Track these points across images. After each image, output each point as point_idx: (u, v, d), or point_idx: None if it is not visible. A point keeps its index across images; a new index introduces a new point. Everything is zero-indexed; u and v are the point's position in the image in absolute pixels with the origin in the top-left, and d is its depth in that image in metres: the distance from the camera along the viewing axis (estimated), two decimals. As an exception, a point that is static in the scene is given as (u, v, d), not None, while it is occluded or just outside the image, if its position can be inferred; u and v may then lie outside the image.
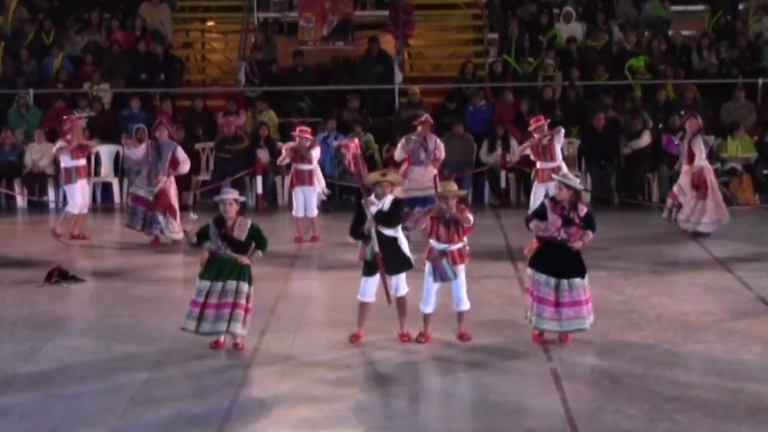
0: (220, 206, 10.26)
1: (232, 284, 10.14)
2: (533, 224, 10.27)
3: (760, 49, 21.28)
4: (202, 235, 10.36)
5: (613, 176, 18.63)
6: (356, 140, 18.33)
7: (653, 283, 13.11)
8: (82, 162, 15.82)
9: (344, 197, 18.94)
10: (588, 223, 10.20)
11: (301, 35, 21.85)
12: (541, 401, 9.03)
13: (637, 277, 13.30)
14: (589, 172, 18.81)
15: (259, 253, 10.29)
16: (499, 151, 18.80)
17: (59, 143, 15.83)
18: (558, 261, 10.18)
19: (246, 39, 21.94)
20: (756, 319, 11.58)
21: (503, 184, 18.99)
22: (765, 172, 18.56)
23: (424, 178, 15.12)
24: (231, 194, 10.28)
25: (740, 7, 23.07)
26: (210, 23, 23.99)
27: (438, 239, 10.28)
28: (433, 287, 10.41)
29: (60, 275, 13.45)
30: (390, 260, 10.32)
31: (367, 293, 10.48)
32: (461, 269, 10.40)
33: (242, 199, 10.42)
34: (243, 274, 10.23)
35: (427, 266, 10.37)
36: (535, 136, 15.21)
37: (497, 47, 21.93)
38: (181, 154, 15.47)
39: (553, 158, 15.17)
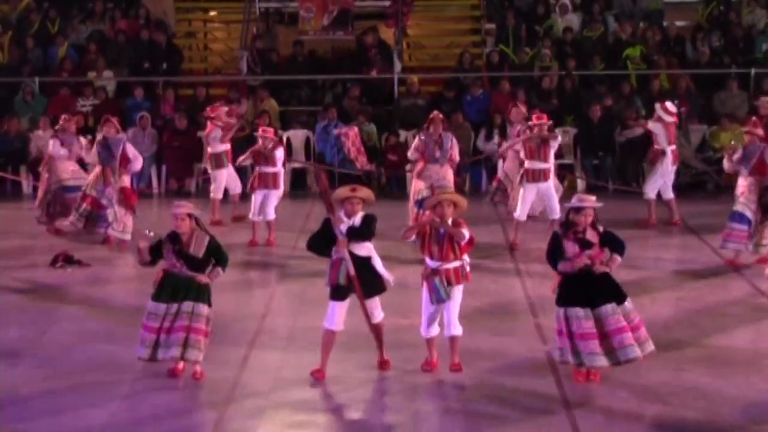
0: (174, 222, 9.08)
1: (188, 306, 9.02)
2: (561, 266, 8.90)
3: (753, 40, 21.27)
4: (155, 252, 9.19)
5: (609, 165, 18.61)
6: (355, 129, 18.58)
7: (647, 268, 13.11)
8: (228, 147, 15.77)
9: (344, 185, 18.88)
10: (612, 242, 9.01)
11: (302, 25, 21.81)
12: (537, 384, 9.06)
13: (631, 263, 13.25)
14: (584, 161, 18.77)
15: (220, 270, 9.17)
16: (496, 139, 18.77)
17: (215, 132, 15.68)
18: (588, 289, 8.88)
19: (247, 29, 21.91)
20: (748, 304, 11.61)
21: (499, 172, 18.93)
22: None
23: (439, 176, 14.33)
24: (183, 208, 9.13)
25: (733, -3, 23.04)
26: (212, 13, 23.92)
27: (431, 256, 9.08)
28: (431, 309, 9.21)
29: (65, 260, 13.49)
30: (364, 283, 9.09)
31: (335, 320, 9.19)
32: (457, 291, 9.15)
33: (196, 213, 9.24)
34: (201, 295, 9.08)
35: (424, 286, 9.19)
36: (534, 130, 14.44)
37: (494, 37, 21.87)
38: (130, 150, 14.49)
39: (546, 159, 14.31)
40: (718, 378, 9.24)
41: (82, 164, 15.65)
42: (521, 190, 14.45)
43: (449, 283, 9.02)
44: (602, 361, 8.82)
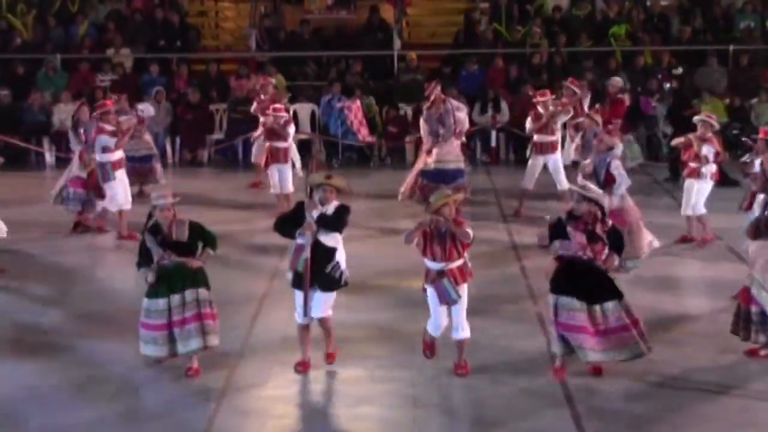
0: (156, 212, 8.42)
1: (191, 294, 8.41)
2: (560, 246, 8.23)
3: (732, 18, 21.17)
4: (146, 252, 8.44)
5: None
6: (357, 102, 18.54)
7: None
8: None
9: (347, 155, 18.96)
10: (613, 240, 8.25)
11: (307, 4, 21.91)
12: (527, 342, 9.06)
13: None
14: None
15: (210, 252, 8.53)
16: (490, 112, 18.77)
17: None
18: (586, 283, 8.21)
19: (256, 8, 21.84)
20: (727, 264, 11.58)
21: (493, 143, 18.98)
22: (734, 132, 18.49)
23: (444, 150, 13.91)
24: (167, 199, 8.41)
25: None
26: (223, -7, 23.84)
27: (433, 258, 8.30)
28: (440, 309, 8.43)
29: (85, 226, 13.46)
30: (322, 274, 8.34)
31: (303, 314, 8.49)
32: (464, 290, 8.42)
33: (176, 200, 8.45)
34: (198, 280, 8.46)
35: (429, 288, 8.42)
36: (539, 108, 14.16)
37: (488, 16, 21.80)
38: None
39: (553, 132, 14.20)
40: (696, 335, 9.29)
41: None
42: (530, 163, 14.25)
43: (456, 283, 8.30)
44: (596, 356, 8.21)
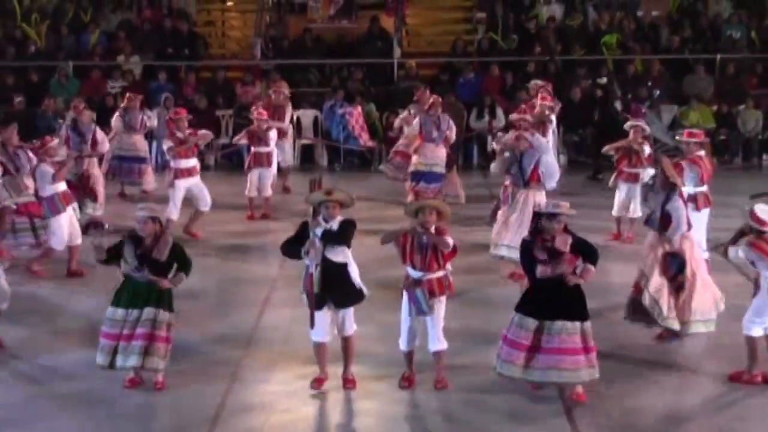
0: (136, 225, 8.11)
1: (150, 312, 8.05)
2: (539, 271, 7.64)
3: (718, 29, 21.23)
4: (115, 253, 8.21)
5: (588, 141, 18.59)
6: (359, 108, 18.56)
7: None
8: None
9: (348, 159, 18.97)
10: (584, 251, 7.67)
11: (310, 14, 21.99)
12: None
13: (607, 225, 13.22)
14: (566, 138, 18.76)
15: (183, 276, 8.19)
16: (486, 117, 18.81)
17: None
18: (547, 300, 7.67)
19: (261, 18, 21.91)
20: (714, 270, 11.58)
21: (489, 148, 18.99)
22: (721, 138, 18.56)
23: (434, 154, 13.95)
24: (146, 211, 8.13)
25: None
26: (229, 3, 23.79)
27: (413, 266, 7.97)
28: (409, 321, 8.11)
29: (95, 228, 13.43)
30: (338, 291, 7.99)
31: (321, 331, 8.13)
32: (440, 303, 8.06)
33: (156, 215, 8.17)
34: (162, 300, 8.11)
35: (404, 296, 8.12)
36: (537, 111, 13.89)
37: (485, 25, 21.84)
38: (99, 134, 13.77)
39: (544, 135, 13.66)
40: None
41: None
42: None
43: (432, 295, 7.96)
44: (511, 371, 7.76)
